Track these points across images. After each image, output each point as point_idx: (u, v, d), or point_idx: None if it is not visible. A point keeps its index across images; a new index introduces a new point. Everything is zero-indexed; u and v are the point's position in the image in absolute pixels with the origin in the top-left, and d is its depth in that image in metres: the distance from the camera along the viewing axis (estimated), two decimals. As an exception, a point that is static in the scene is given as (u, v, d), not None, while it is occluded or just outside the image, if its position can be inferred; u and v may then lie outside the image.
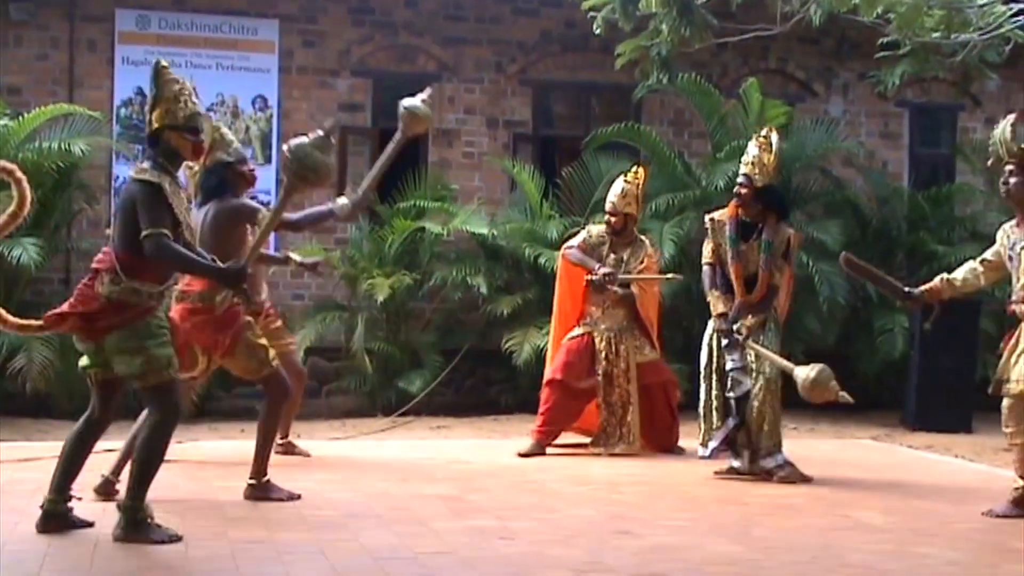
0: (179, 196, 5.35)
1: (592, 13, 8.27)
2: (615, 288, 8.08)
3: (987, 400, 11.46)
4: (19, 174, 5.41)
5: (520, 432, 9.06)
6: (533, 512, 6.14)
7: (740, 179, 7.26)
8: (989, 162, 6.51)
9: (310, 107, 11.79)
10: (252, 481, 6.31)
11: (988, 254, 6.48)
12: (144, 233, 5.14)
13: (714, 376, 7.25)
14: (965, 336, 10.93)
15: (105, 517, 5.41)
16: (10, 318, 5.54)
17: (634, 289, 8.18)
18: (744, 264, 7.18)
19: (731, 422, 7.12)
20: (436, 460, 7.84)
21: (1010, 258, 6.29)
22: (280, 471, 6.91)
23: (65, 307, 5.34)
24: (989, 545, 5.63)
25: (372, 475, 7.15)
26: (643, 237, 8.57)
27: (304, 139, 5.47)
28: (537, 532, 5.65)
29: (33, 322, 5.56)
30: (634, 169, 8.40)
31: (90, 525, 5.42)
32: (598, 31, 8.46)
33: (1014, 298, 6.22)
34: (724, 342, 7.17)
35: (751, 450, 7.15)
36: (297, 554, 5.07)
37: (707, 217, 7.42)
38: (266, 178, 11.58)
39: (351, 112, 11.91)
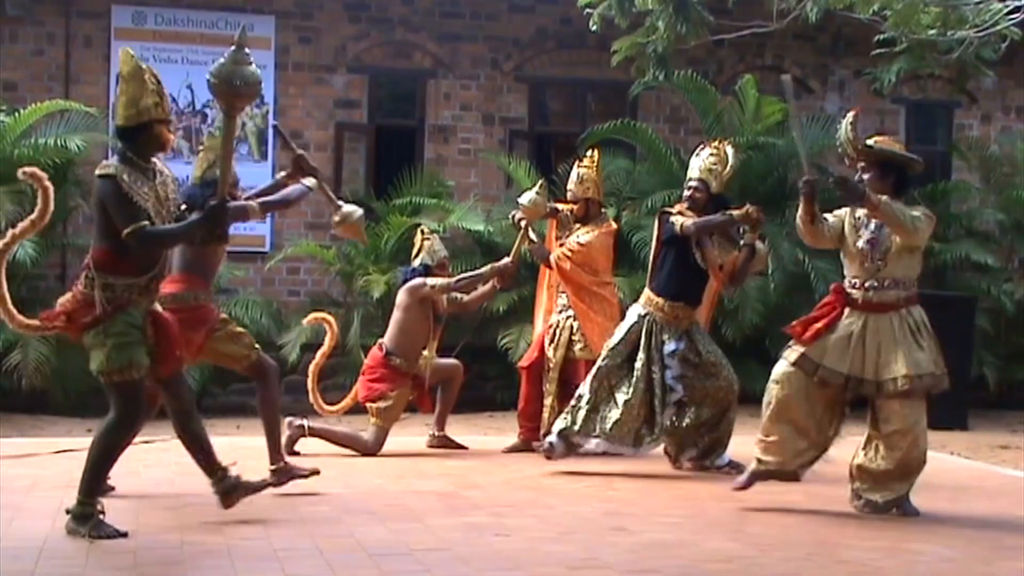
0: (148, 185, 5.28)
1: (588, 10, 8.28)
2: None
3: (982, 397, 11.55)
4: (47, 182, 5.37)
5: (516, 429, 9.06)
6: (528, 508, 6.14)
7: (695, 183, 7.28)
8: (847, 162, 6.35)
9: (306, 104, 11.80)
10: (272, 468, 6.29)
11: (830, 217, 6.25)
12: (125, 232, 5.11)
13: (637, 374, 7.13)
14: (961, 334, 10.94)
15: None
16: (17, 316, 5.52)
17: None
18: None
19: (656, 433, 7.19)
20: (431, 456, 7.83)
21: (871, 242, 6.09)
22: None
23: (57, 307, 5.36)
24: (984, 542, 5.64)
25: (367, 471, 7.15)
26: (611, 222, 8.39)
27: (220, 59, 5.34)
28: (532, 528, 5.65)
29: (34, 322, 5.54)
30: (589, 153, 8.31)
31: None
32: (594, 28, 8.47)
33: (866, 284, 6.07)
34: (669, 348, 7.12)
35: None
36: (292, 550, 5.07)
37: (665, 210, 7.36)
38: (262, 175, 11.59)
39: (347, 109, 11.92)
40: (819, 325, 6.11)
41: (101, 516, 5.25)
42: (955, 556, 5.33)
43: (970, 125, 13.43)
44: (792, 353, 6.16)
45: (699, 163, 7.34)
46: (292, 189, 6.25)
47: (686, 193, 7.34)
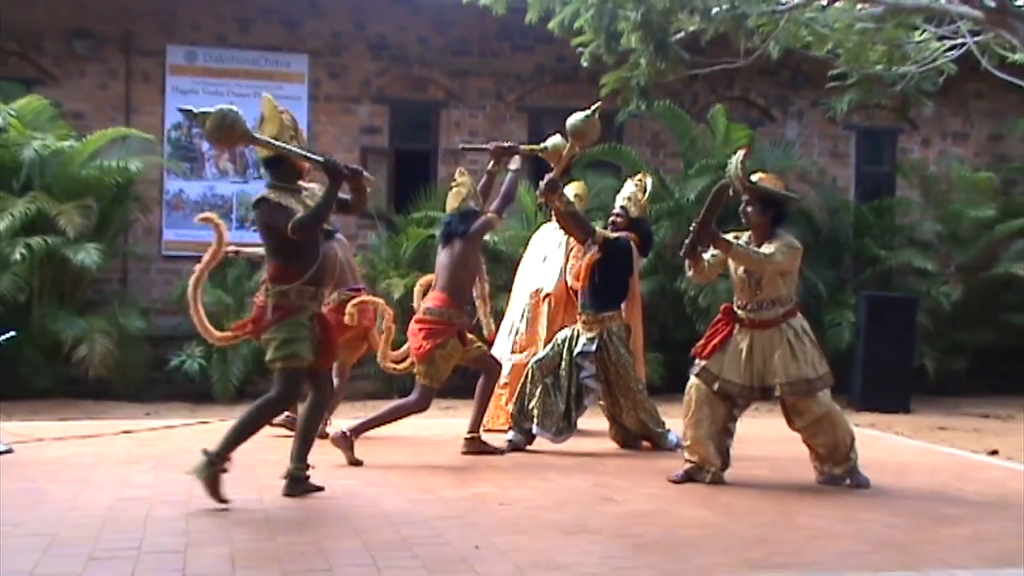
0: (296, 199, 5.51)
1: (580, 48, 8.25)
2: None
3: (923, 385, 11.54)
4: (218, 220, 5.79)
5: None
6: (528, 481, 6.13)
7: (617, 210, 7.32)
8: (730, 192, 6.02)
9: (336, 130, 11.80)
10: (469, 435, 6.98)
11: (708, 256, 6.10)
12: (290, 228, 5.30)
13: (560, 376, 7.13)
14: (904, 330, 10.95)
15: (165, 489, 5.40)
16: (213, 331, 5.81)
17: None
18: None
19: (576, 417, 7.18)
20: (445, 436, 7.81)
21: (748, 272, 6.03)
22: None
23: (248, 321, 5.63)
24: (925, 512, 5.62)
25: (389, 449, 7.14)
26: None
27: (207, 125, 5.42)
28: (532, 499, 5.64)
29: (227, 334, 5.80)
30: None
31: (320, 489, 5.61)
32: (585, 64, 8.44)
33: (748, 306, 6.03)
34: (577, 350, 7.06)
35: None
36: (322, 517, 5.07)
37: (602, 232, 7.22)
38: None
39: (371, 134, 11.92)
40: (715, 341, 6.09)
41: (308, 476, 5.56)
42: (899, 523, 5.32)
43: (912, 148, 13.43)
44: (697, 368, 6.15)
45: (623, 193, 7.40)
46: (507, 183, 6.98)
47: (610, 219, 7.40)
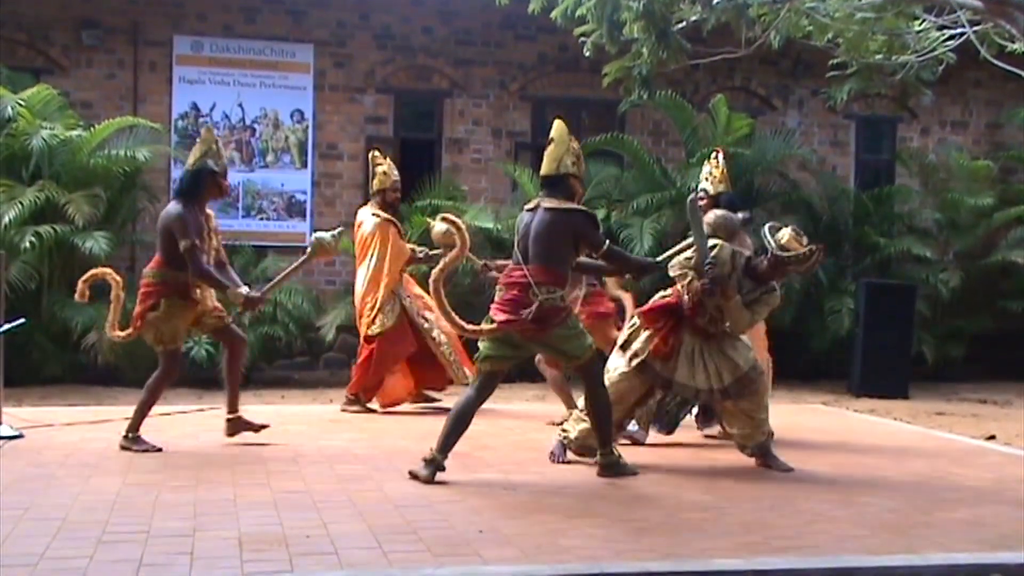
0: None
1: (583, 38, 8.21)
2: None
3: (922, 371, 11.53)
4: (461, 223, 5.96)
5: (520, 398, 9.06)
6: (532, 467, 6.14)
7: (700, 192, 7.26)
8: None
9: (340, 120, 11.78)
10: (125, 434, 6.42)
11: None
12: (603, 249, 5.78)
13: None
14: (903, 316, 10.95)
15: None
16: (463, 324, 5.90)
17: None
18: None
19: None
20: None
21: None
22: (316, 431, 6.92)
23: (507, 315, 5.65)
24: (923, 495, 5.63)
25: (394, 434, 7.15)
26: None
27: None
28: (535, 484, 5.64)
29: (486, 327, 5.78)
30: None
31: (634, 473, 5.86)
32: (588, 54, 8.40)
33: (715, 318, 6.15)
34: None
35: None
36: (329, 502, 5.07)
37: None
38: (301, 179, 11.62)
39: (376, 124, 11.90)
40: (673, 342, 6.08)
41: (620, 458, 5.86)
42: (898, 507, 5.32)
43: (911, 137, 13.39)
44: (636, 362, 6.11)
45: (702, 174, 7.39)
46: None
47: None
